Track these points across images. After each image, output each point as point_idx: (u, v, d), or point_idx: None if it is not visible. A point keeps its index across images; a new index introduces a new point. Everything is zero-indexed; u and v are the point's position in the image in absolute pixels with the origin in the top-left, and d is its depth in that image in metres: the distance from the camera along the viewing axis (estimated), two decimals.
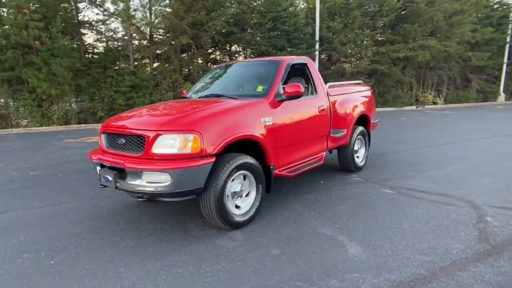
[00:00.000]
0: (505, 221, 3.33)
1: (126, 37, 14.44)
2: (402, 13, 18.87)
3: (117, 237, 3.22)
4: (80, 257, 2.86)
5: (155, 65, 15.16)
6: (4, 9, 12.48)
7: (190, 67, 15.92)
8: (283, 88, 3.75)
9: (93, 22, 14.57)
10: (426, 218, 3.46)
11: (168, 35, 14.82)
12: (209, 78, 4.64)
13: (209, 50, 16.72)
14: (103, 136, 3.43)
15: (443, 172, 5.19)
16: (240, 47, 17.41)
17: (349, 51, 18.24)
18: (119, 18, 13.32)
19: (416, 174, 5.09)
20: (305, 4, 18.70)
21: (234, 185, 3.28)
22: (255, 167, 3.35)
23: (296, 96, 3.70)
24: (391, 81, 18.80)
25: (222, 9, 14.59)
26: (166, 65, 14.84)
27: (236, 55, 17.80)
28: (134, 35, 14.25)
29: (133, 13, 13.53)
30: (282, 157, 3.77)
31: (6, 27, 11.68)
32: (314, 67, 4.50)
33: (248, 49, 17.50)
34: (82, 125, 12.75)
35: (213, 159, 2.96)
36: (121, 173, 3.03)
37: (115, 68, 13.82)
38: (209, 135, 2.97)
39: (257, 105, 3.50)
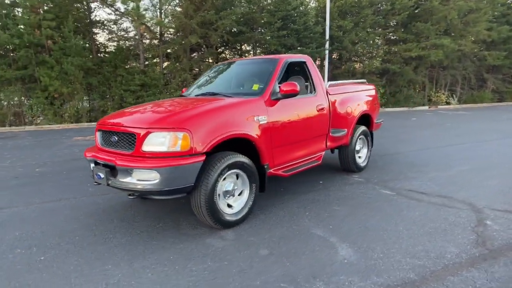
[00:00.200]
0: (505, 225, 3.22)
1: (136, 37, 14.58)
2: (416, 11, 18.53)
3: (110, 234, 3.24)
4: (71, 254, 2.89)
5: (165, 64, 15.27)
6: (19, 9, 12.77)
7: (200, 66, 15.99)
8: (279, 86, 3.71)
9: (105, 22, 14.80)
10: (423, 220, 3.37)
11: (178, 34, 14.91)
12: (208, 76, 4.64)
13: (219, 50, 16.77)
14: (98, 134, 3.46)
15: (447, 173, 5.06)
16: (250, 46, 17.40)
17: (360, 50, 17.97)
18: (130, 18, 13.46)
19: (419, 175, 4.97)
20: (315, 3, 18.55)
21: (226, 184, 3.26)
22: (248, 166, 3.32)
23: (292, 94, 3.65)
24: (403, 80, 18.46)
25: (232, 8, 14.58)
26: (177, 64, 14.94)
27: (246, 54, 17.79)
28: (145, 34, 14.37)
29: (143, 12, 13.69)
30: (277, 156, 3.73)
31: (21, 26, 11.96)
32: (313, 65, 4.44)
33: (258, 48, 17.47)
34: (93, 123, 12.93)
35: (203, 157, 2.94)
36: (112, 170, 3.05)
37: (126, 67, 13.97)
38: (200, 133, 2.95)
39: (251, 104, 3.47)
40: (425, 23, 17.77)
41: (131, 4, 12.45)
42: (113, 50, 14.28)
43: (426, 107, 18.65)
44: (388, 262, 2.61)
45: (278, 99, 3.70)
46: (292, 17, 15.44)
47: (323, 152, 4.48)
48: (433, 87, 20.51)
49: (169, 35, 15.59)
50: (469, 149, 6.79)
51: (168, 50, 15.22)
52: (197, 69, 16.02)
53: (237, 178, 3.37)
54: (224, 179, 3.23)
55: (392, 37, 19.40)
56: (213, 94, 3.93)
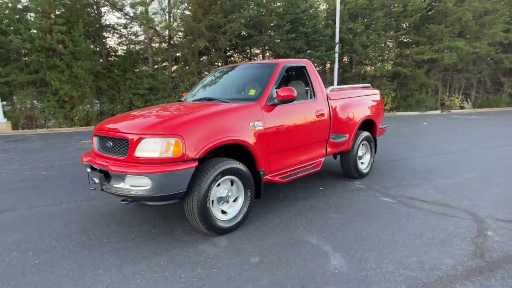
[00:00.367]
0: (507, 236, 3.11)
1: (146, 40, 14.77)
2: (429, 13, 18.25)
3: (105, 239, 3.27)
4: (64, 258, 2.91)
5: (173, 68, 15.42)
6: (31, 14, 13.09)
7: (209, 69, 16.09)
8: (277, 91, 3.68)
9: (115, 26, 15.05)
10: (421, 230, 3.29)
11: (186, 38, 15.04)
12: (207, 81, 4.65)
13: (229, 53, 16.85)
14: (95, 139, 3.50)
15: (452, 181, 4.93)
16: (259, 50, 17.43)
17: (371, 53, 17.77)
18: (138, 22, 13.65)
19: (422, 183, 4.86)
20: (325, 5, 18.46)
21: (220, 190, 3.25)
22: (243, 173, 3.31)
23: (288, 100, 3.62)
24: (414, 84, 18.18)
25: (240, 11, 14.64)
26: (186, 67, 15.07)
27: (255, 58, 17.82)
28: (154, 38, 14.55)
29: (152, 16, 13.88)
30: (274, 163, 3.70)
31: (33, 31, 12.27)
32: (313, 70, 4.40)
33: (268, 52, 17.49)
34: None
35: (195, 163, 2.94)
36: (106, 176, 3.07)
37: (135, 71, 14.15)
38: (192, 139, 2.95)
39: (246, 109, 3.45)
40: (439, 25, 17.50)
41: (140, 8, 12.62)
42: (123, 54, 14.49)
43: (438, 111, 18.31)
44: (380, 273, 2.55)
45: (275, 105, 3.67)
46: (301, 20, 15.41)
47: (323, 159, 4.43)
48: (446, 90, 20.15)
49: (178, 39, 15.75)
50: (479, 156, 6.61)
51: (178, 54, 15.38)
52: (205, 73, 16.13)
53: (232, 184, 3.36)
54: (218, 185, 3.22)
55: (404, 40, 19.16)
56: (210, 99, 3.93)
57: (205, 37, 13.47)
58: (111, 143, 3.22)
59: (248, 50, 17.41)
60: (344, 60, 18.54)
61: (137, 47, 15.52)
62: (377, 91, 5.66)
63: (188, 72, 14.61)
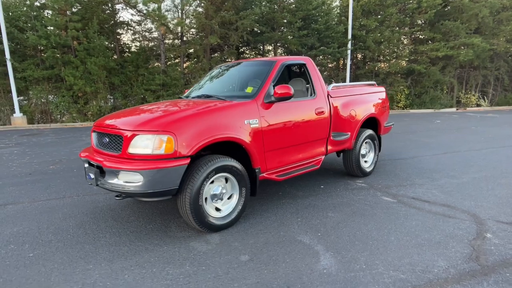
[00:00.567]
0: (506, 239, 3.01)
1: (159, 37, 14.89)
2: (446, 9, 17.76)
3: (100, 234, 3.32)
4: (59, 251, 2.97)
5: (185, 64, 15.50)
6: (48, 11, 13.38)
7: None
8: (274, 89, 3.64)
9: (130, 22, 15.22)
10: (418, 231, 3.22)
11: (198, 35, 15.09)
12: (208, 78, 4.64)
13: (241, 49, 16.82)
14: (93, 135, 3.54)
15: (458, 180, 4.80)
16: (271, 46, 17.34)
17: (384, 50, 17.42)
18: (151, 19, 13.77)
19: (427, 182, 4.75)
20: (338, 1, 18.19)
21: (214, 188, 3.25)
22: (237, 170, 3.29)
23: (285, 97, 3.58)
24: (429, 81, 17.76)
25: (252, 7, 14.57)
26: (200, 63, 15.11)
27: (267, 54, 17.74)
28: (167, 34, 14.64)
29: (165, 13, 13.98)
30: (270, 160, 3.67)
31: (50, 28, 12.55)
32: (314, 68, 4.33)
33: (280, 49, 17.38)
34: None
35: (187, 160, 2.94)
36: (101, 171, 3.11)
37: (147, 67, 14.29)
38: (185, 136, 2.95)
39: (242, 107, 3.43)
40: (454, 21, 17.03)
41: (151, 6, 12.72)
42: (135, 50, 14.66)
43: (453, 109, 17.86)
44: (369, 275, 2.50)
45: (272, 102, 3.64)
46: (313, 16, 15.24)
47: (323, 157, 4.37)
48: (462, 88, 19.62)
49: (192, 35, 15.81)
50: (490, 155, 6.42)
51: (191, 50, 15.44)
52: None
53: (226, 181, 3.35)
54: (212, 182, 3.22)
55: (419, 36, 18.72)
56: (208, 96, 3.92)
57: (216, 33, 13.48)
58: (107, 139, 3.26)
59: (261, 47, 17.35)
60: (358, 57, 18.26)
61: (151, 44, 15.68)
62: (382, 89, 5.54)
63: (200, 69, 14.65)
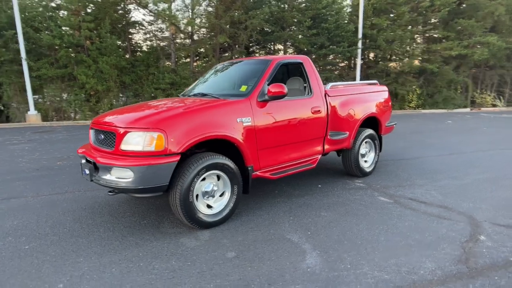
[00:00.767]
0: (500, 242, 2.94)
1: (169, 37, 15.07)
2: (460, 7, 17.37)
3: (95, 228, 3.40)
4: (53, 244, 3.06)
5: (195, 63, 15.64)
6: (64, 12, 13.70)
7: None
8: (268, 88, 3.66)
9: (142, 22, 15.46)
10: (409, 231, 3.18)
11: (208, 34, 15.20)
12: (206, 76, 4.69)
13: (251, 49, 16.85)
14: (91, 132, 3.63)
15: (460, 182, 4.72)
16: (281, 45, 17.32)
17: (396, 49, 17.15)
18: (161, 19, 13.94)
19: (427, 183, 4.68)
20: (348, 0, 18.01)
21: (205, 185, 3.29)
22: (229, 168, 3.32)
23: (279, 96, 3.59)
24: (442, 81, 17.42)
25: (262, 7, 14.58)
26: (209, 62, 15.21)
27: (277, 54, 17.73)
28: (177, 34, 14.79)
29: (176, 13, 14.13)
30: (263, 159, 3.69)
31: (66, 28, 12.87)
32: (311, 67, 4.32)
33: (290, 48, 17.35)
34: None
35: (177, 157, 2.99)
36: (96, 167, 3.19)
37: (157, 66, 14.48)
38: (175, 134, 3.00)
39: (234, 105, 3.46)
40: (469, 19, 16.66)
41: (161, 6, 12.88)
42: (146, 50, 14.87)
43: (467, 109, 17.46)
44: (353, 275, 2.49)
45: (266, 101, 3.65)
46: (323, 15, 15.14)
47: (320, 156, 4.35)
48: (477, 88, 19.17)
49: (202, 34, 15.93)
50: (497, 156, 6.27)
51: (202, 50, 15.57)
52: None
53: (219, 179, 3.38)
54: (204, 179, 3.26)
55: (432, 35, 18.37)
56: (203, 95, 3.97)
57: (225, 33, 13.55)
58: (102, 136, 3.34)
59: (272, 46, 17.35)
60: (369, 56, 18.04)
61: (162, 44, 15.88)
62: (384, 88, 5.48)
63: (209, 68, 14.75)
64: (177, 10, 14.79)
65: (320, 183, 4.78)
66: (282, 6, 15.03)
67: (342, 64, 18.22)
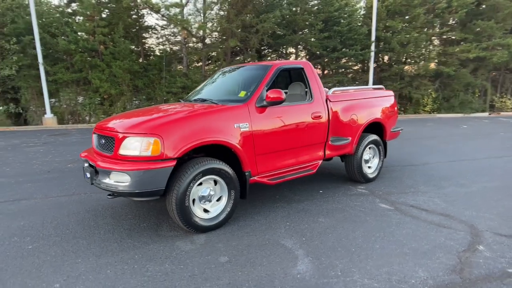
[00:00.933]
0: (499, 252, 2.87)
1: (181, 41, 15.30)
2: (480, 8, 16.97)
3: (96, 230, 3.49)
4: (55, 245, 3.16)
5: (207, 67, 15.81)
6: (79, 18, 14.11)
7: None
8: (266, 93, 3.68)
9: (156, 26, 15.77)
10: (406, 239, 3.14)
11: (220, 38, 15.35)
12: (208, 82, 4.76)
13: (264, 52, 16.92)
14: (94, 136, 3.74)
15: (466, 189, 4.62)
16: (293, 49, 17.32)
17: (410, 52, 16.88)
18: (172, 23, 14.17)
19: (431, 190, 4.60)
20: (362, 2, 17.87)
21: (202, 189, 3.34)
22: (226, 173, 3.36)
23: (277, 102, 3.62)
24: (459, 84, 17.03)
25: (272, 11, 14.64)
26: (222, 66, 15.38)
27: (289, 57, 17.73)
28: (188, 38, 15.01)
29: (188, 17, 14.35)
30: (261, 164, 3.71)
31: (82, 34, 13.26)
32: (312, 72, 4.33)
33: (302, 51, 17.33)
34: None
35: (173, 162, 3.05)
36: (96, 171, 3.29)
37: (169, 70, 14.71)
38: (171, 139, 3.06)
39: (231, 111, 3.50)
40: (488, 20, 16.26)
41: (173, 11, 13.10)
42: (159, 54, 15.13)
43: (485, 114, 17.01)
44: (342, 282, 2.49)
45: (264, 106, 3.68)
46: (335, 18, 15.08)
47: (320, 161, 4.34)
48: (496, 91, 18.66)
49: (215, 38, 16.10)
50: (510, 164, 6.09)
51: (214, 53, 15.74)
52: None
53: (216, 184, 3.43)
54: (200, 184, 3.31)
55: (449, 37, 17.99)
56: (203, 100, 4.03)
57: (236, 37, 13.67)
58: (103, 141, 3.44)
59: (284, 50, 17.37)
60: (384, 59, 17.81)
61: (175, 48, 16.13)
62: (390, 93, 5.42)
63: None
64: (189, 15, 15.03)
65: (322, 188, 4.77)
66: (294, 9, 15.06)
67: (356, 67, 18.07)
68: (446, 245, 3.03)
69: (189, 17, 14.62)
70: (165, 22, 15.50)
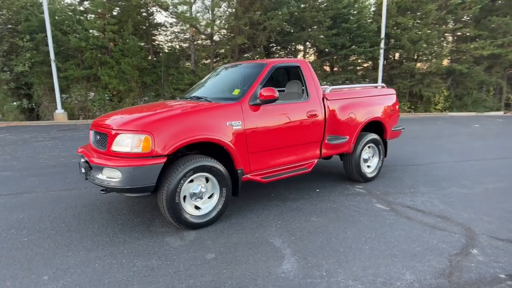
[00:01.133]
0: (493, 256, 2.80)
1: (189, 38, 15.38)
2: (495, 4, 16.51)
3: (90, 224, 3.55)
4: (49, 238, 3.23)
5: (215, 64, 15.86)
6: (91, 15, 14.33)
7: None
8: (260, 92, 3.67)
9: (165, 23, 15.88)
10: (397, 241, 3.09)
11: (227, 35, 15.37)
12: (205, 79, 4.76)
13: (272, 49, 16.86)
14: (91, 133, 3.79)
15: (468, 191, 4.52)
16: (302, 46, 17.20)
17: (421, 49, 16.55)
18: (180, 20, 14.24)
19: (431, 191, 4.52)
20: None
21: (193, 186, 3.35)
22: (217, 170, 3.37)
23: (270, 100, 3.60)
24: (472, 82, 16.64)
25: (282, 7, 14.56)
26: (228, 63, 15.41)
27: (298, 54, 17.62)
28: (196, 35, 15.06)
29: (197, 14, 14.39)
30: (254, 162, 3.71)
31: (94, 32, 13.47)
32: (309, 70, 4.29)
33: (311, 49, 17.21)
34: None
35: (163, 159, 3.07)
36: (90, 166, 3.34)
37: (177, 67, 14.81)
38: (162, 136, 3.08)
39: (224, 109, 3.50)
40: (504, 17, 15.81)
41: (180, 8, 13.17)
42: (167, 51, 15.24)
43: (500, 113, 16.58)
44: (326, 283, 2.47)
45: (258, 105, 3.67)
46: (344, 15, 14.90)
47: (316, 160, 4.31)
48: None
49: (223, 36, 16.12)
50: None
51: (222, 50, 15.77)
52: None
53: (207, 181, 3.44)
54: (192, 181, 3.32)
55: (463, 34, 17.57)
56: (198, 98, 4.04)
57: (244, 34, 13.65)
58: (98, 137, 3.48)
59: (291, 47, 17.27)
60: (395, 56, 17.52)
61: (184, 45, 16.22)
62: (391, 91, 5.33)
63: None
64: (198, 12, 15.07)
65: (319, 187, 4.74)
66: (302, 6, 14.93)
67: (366, 65, 17.83)
68: (438, 247, 2.97)
69: (198, 14, 14.67)
70: (174, 20, 15.62)
